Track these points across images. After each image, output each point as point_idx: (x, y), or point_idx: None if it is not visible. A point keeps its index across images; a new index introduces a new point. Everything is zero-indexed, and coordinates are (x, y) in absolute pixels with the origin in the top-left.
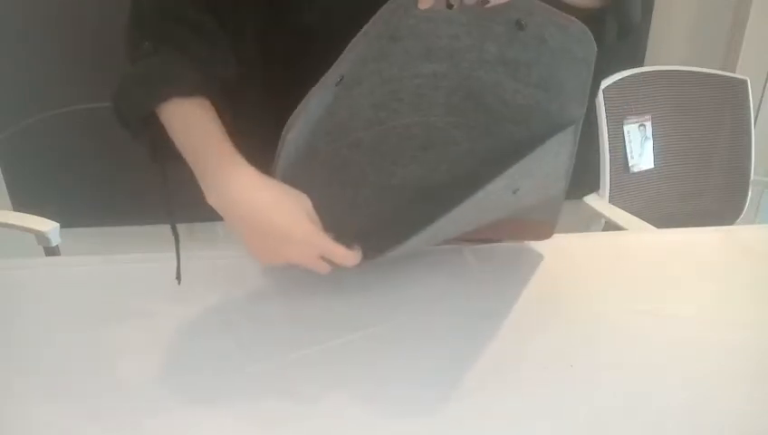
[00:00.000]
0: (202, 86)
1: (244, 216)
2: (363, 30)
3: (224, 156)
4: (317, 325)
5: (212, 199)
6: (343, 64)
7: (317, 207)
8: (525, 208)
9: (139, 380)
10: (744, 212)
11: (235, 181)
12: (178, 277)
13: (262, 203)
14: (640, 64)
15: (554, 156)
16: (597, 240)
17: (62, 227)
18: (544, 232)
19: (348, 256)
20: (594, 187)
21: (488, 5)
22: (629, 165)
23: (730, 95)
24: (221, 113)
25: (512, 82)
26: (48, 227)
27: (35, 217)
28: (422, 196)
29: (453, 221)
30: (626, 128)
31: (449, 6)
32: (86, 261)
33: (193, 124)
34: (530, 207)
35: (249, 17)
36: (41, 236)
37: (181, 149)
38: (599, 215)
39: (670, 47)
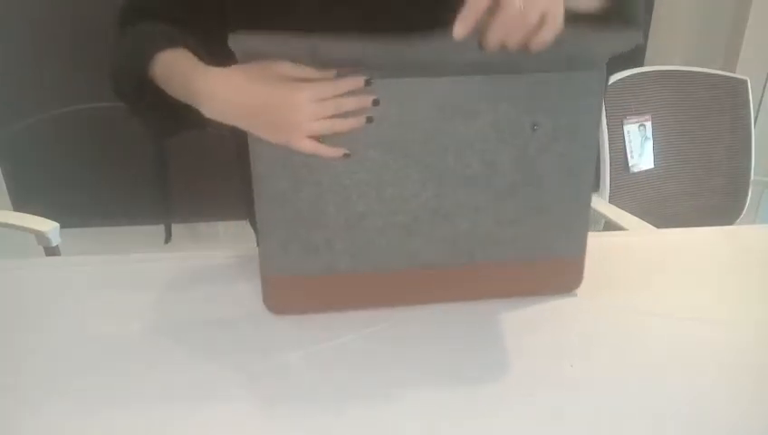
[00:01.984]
0: (181, 39)
1: (239, 101)
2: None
3: (199, 67)
4: (317, 325)
5: (208, 108)
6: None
7: None
8: (545, 216)
9: (138, 379)
10: (744, 212)
11: (214, 78)
12: (168, 238)
13: (245, 76)
14: (640, 64)
15: (581, 103)
16: (597, 240)
17: (62, 227)
18: (570, 277)
19: (339, 80)
20: (594, 187)
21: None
22: (629, 165)
23: (730, 95)
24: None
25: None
26: (48, 227)
27: (35, 217)
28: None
29: (463, 100)
30: (626, 128)
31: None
32: (86, 261)
33: (176, 63)
34: (551, 220)
35: (234, 17)
36: (41, 236)
37: (174, 92)
38: (599, 215)
39: (670, 47)
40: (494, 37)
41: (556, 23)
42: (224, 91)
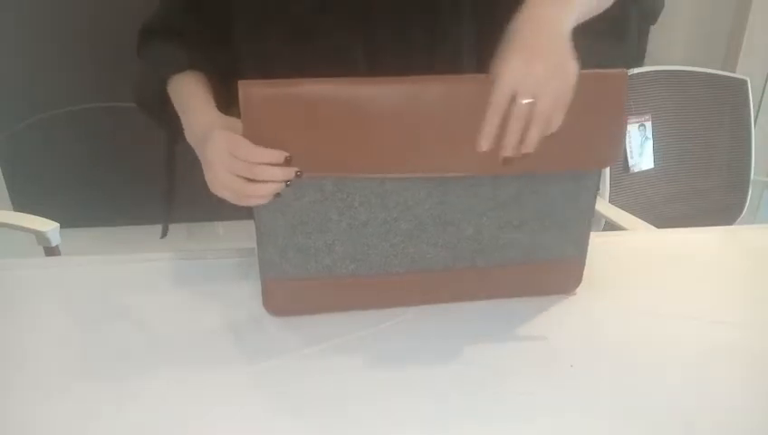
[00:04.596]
0: (192, 64)
1: (192, 130)
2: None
3: (191, 100)
4: (317, 326)
5: (187, 138)
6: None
7: None
8: (549, 220)
9: (138, 379)
10: (744, 212)
11: (194, 118)
12: (164, 234)
13: (204, 127)
14: (640, 64)
15: None
16: (597, 240)
17: (62, 227)
18: (569, 277)
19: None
20: None
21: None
22: (629, 165)
23: (730, 95)
24: (217, 83)
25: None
26: (48, 227)
27: (35, 217)
28: None
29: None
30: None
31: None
32: (86, 261)
33: (182, 89)
34: (554, 225)
35: (243, 17)
36: (41, 236)
37: (178, 113)
38: (599, 215)
39: (670, 47)
40: (512, 137)
41: (568, 99)
42: (190, 120)
